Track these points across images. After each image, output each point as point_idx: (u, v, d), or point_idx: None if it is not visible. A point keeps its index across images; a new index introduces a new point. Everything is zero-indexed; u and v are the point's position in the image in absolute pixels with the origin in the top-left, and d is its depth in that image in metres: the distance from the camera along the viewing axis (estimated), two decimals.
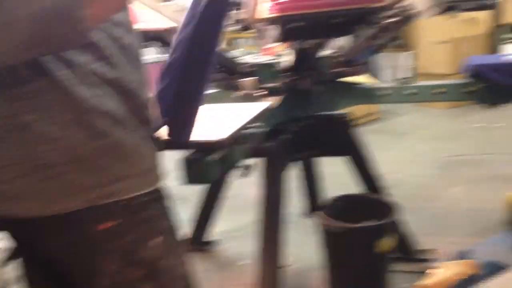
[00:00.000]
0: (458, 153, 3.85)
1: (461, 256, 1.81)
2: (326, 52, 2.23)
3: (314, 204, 2.70)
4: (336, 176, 2.66)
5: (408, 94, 2.26)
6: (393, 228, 2.07)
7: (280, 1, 1.98)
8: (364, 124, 4.58)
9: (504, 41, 4.88)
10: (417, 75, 5.31)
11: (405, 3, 1.93)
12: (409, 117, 5.00)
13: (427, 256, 2.30)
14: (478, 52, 4.96)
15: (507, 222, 0.69)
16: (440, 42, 5.12)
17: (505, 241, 0.76)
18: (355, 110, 2.93)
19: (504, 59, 2.33)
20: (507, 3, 4.60)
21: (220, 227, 2.80)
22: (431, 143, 4.20)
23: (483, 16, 5.03)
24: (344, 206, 2.15)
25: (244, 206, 2.72)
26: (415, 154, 3.98)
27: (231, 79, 2.12)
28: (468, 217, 2.77)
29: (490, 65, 2.06)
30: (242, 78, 2.08)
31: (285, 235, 2.03)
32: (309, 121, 2.26)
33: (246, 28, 2.30)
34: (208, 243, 2.71)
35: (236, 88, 2.09)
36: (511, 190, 2.68)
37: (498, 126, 4.31)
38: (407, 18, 1.95)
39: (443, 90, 2.19)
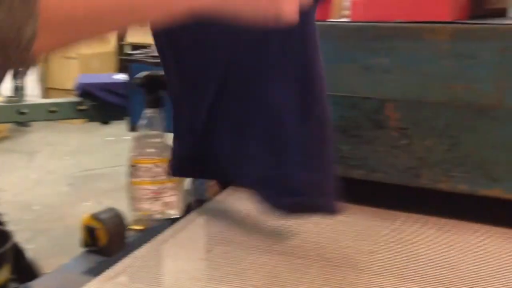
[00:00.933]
0: (91, 167, 3.94)
1: None
2: None
3: None
4: None
5: (19, 113, 2.17)
6: (9, 257, 1.94)
7: None
8: None
9: (128, 59, 5.27)
10: (47, 90, 5.20)
11: None
12: (41, 134, 4.84)
13: None
14: (106, 69, 5.21)
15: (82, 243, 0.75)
16: (68, 58, 5.14)
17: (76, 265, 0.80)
18: None
19: (113, 78, 2.48)
20: None
21: None
22: (64, 160, 4.16)
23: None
24: None
25: None
26: (46, 172, 3.87)
27: None
28: None
29: (98, 84, 2.16)
30: None
31: None
32: None
33: None
34: None
35: None
36: None
37: (127, 139, 4.61)
38: None
39: (56, 108, 2.19)
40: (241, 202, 1.10)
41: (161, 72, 1.01)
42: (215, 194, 1.17)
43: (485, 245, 0.89)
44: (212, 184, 1.19)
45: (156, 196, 1.00)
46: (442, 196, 0.98)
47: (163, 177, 1.00)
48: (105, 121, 2.15)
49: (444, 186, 0.95)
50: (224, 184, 1.21)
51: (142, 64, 1.04)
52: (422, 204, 1.02)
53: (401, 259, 0.84)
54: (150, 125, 1.00)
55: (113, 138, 4.65)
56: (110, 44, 5.42)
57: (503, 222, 0.95)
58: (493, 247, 0.89)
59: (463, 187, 0.93)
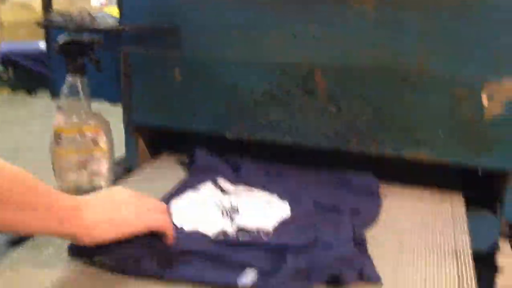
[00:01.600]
0: (19, 140, 3.76)
1: None
2: None
3: None
4: None
5: None
6: None
7: None
8: None
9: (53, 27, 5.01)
10: None
11: None
12: None
13: None
14: (33, 37, 4.93)
15: None
16: None
17: None
18: None
19: (38, 46, 2.35)
20: None
21: None
22: None
23: (38, 1, 5.01)
24: None
25: None
26: None
27: None
28: None
29: (21, 52, 2.04)
30: None
31: None
32: None
33: None
34: None
35: None
36: None
37: None
38: None
39: None
40: (172, 169, 1.09)
41: (82, 37, 0.97)
42: (146, 161, 1.15)
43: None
44: (142, 152, 1.16)
45: (82, 166, 0.96)
46: (370, 161, 1.02)
47: (90, 146, 0.96)
48: (29, 90, 2.03)
49: (372, 150, 0.97)
50: (155, 152, 1.19)
51: (63, 30, 0.98)
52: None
53: None
54: (72, 93, 0.95)
55: (41, 111, 4.45)
56: (36, 12, 5.13)
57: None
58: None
59: (390, 151, 0.96)
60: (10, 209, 0.58)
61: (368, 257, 0.74)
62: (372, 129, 0.97)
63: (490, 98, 0.90)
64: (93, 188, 0.98)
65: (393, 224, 0.88)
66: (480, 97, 0.91)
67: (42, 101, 4.36)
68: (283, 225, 0.83)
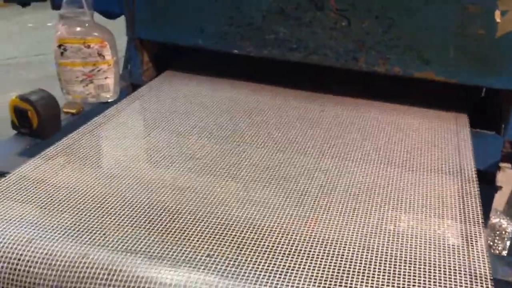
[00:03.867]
0: (12, 56, 3.68)
1: None
2: None
3: None
4: None
5: None
6: None
7: None
8: None
9: None
10: None
11: None
12: None
13: None
14: None
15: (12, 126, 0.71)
16: None
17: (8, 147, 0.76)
18: None
19: None
20: None
21: None
22: None
23: None
24: None
25: None
26: None
27: None
28: None
29: None
30: None
31: None
32: None
33: None
34: None
35: None
36: None
37: (50, 26, 4.30)
38: None
39: None
40: (177, 87, 1.08)
41: None
42: (151, 78, 1.14)
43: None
44: (147, 68, 1.15)
45: (88, 78, 0.95)
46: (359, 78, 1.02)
47: (96, 59, 0.95)
48: (23, 2, 1.96)
49: (380, 69, 0.97)
50: (160, 68, 1.17)
51: None
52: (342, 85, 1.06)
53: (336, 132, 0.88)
54: (75, 2, 0.92)
55: (32, 25, 4.32)
56: None
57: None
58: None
59: (398, 70, 0.96)
60: None
61: None
62: (381, 47, 0.95)
63: (503, 14, 0.88)
64: (99, 101, 0.98)
65: (400, 140, 0.89)
66: (493, 13, 0.89)
67: (35, 17, 4.24)
68: None
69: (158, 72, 1.17)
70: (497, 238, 1.92)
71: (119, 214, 0.64)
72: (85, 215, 0.63)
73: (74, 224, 0.61)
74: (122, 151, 0.81)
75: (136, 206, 0.66)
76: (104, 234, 0.60)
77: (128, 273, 0.54)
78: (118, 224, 0.62)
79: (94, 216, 0.63)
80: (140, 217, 0.64)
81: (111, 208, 0.65)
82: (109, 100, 0.99)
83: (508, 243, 1.88)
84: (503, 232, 1.94)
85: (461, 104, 1.04)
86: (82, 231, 0.60)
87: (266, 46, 1.01)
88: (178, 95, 1.03)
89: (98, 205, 0.65)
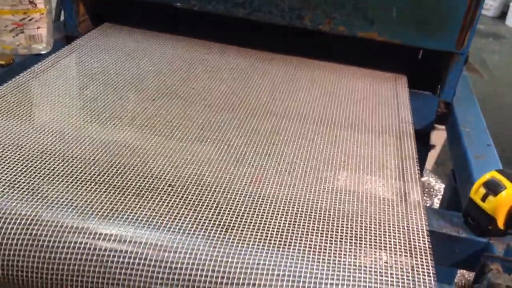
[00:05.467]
0: None
1: None
2: None
3: None
4: None
5: None
6: None
7: None
8: None
9: None
10: None
11: None
12: None
13: None
14: None
15: None
16: None
17: None
18: None
19: None
20: None
21: None
22: None
23: None
24: None
25: None
26: None
27: None
28: None
29: None
30: None
31: None
32: None
33: None
34: None
35: None
36: None
37: None
38: None
39: None
40: (115, 40, 1.03)
41: None
42: (88, 30, 1.08)
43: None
44: (83, 20, 1.09)
45: (19, 27, 0.89)
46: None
47: (27, 6, 0.88)
48: None
49: (325, 28, 0.97)
50: (97, 21, 1.11)
51: None
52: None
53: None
54: None
55: None
56: None
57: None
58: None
59: (342, 29, 0.96)
60: None
61: None
62: (328, 6, 0.95)
63: None
64: (31, 53, 0.92)
65: (341, 100, 0.90)
66: None
67: None
68: None
69: (95, 25, 1.11)
70: (426, 195, 2.03)
71: (52, 169, 0.61)
72: (14, 172, 0.60)
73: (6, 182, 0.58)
74: (53, 106, 0.76)
75: (70, 161, 0.63)
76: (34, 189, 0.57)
77: (62, 224, 0.52)
78: (47, 179, 0.59)
79: (23, 172, 0.60)
80: (74, 171, 0.61)
81: (42, 163, 0.62)
82: (42, 52, 0.93)
83: (435, 199, 2.00)
84: (432, 190, 2.06)
85: (401, 65, 1.07)
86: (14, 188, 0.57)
87: (210, 1, 0.98)
88: (115, 48, 0.98)
89: (26, 162, 0.62)
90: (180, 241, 0.52)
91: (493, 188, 0.62)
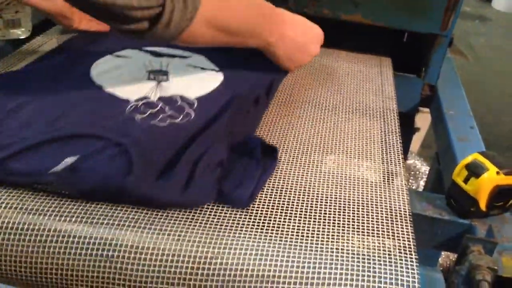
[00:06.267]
0: None
1: None
2: None
3: None
4: None
5: None
6: None
7: None
8: None
9: None
10: None
11: None
12: None
13: None
14: None
15: None
16: None
17: None
18: None
19: None
20: None
21: None
22: None
23: None
24: None
25: None
26: None
27: None
28: None
29: None
30: None
31: None
32: None
33: None
34: None
35: None
36: None
37: None
38: None
39: None
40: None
41: None
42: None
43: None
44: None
45: None
46: None
47: None
48: None
49: (310, 10, 0.96)
50: None
51: None
52: None
53: None
54: None
55: None
56: None
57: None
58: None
59: (327, 12, 0.95)
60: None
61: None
62: None
63: None
64: (9, 39, 0.90)
65: (325, 82, 0.90)
66: None
67: None
68: (209, 98, 0.72)
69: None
70: (412, 178, 2.05)
71: None
72: None
73: None
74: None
75: None
76: None
77: None
78: None
79: None
80: None
81: None
82: (21, 37, 0.91)
83: (421, 182, 2.01)
84: (417, 172, 2.07)
85: (385, 48, 1.06)
86: None
87: None
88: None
89: None
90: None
91: (475, 170, 0.62)
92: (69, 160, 0.56)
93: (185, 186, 0.56)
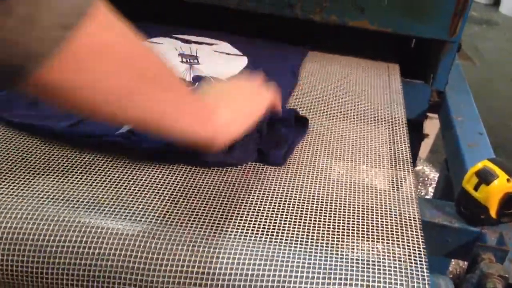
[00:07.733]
0: None
1: None
2: None
3: None
4: None
5: None
6: None
7: None
8: None
9: None
10: None
11: None
12: None
13: None
14: None
15: None
16: None
17: None
18: None
19: None
20: None
21: None
22: None
23: None
24: None
25: None
26: None
27: None
28: None
29: None
30: None
31: None
32: None
33: None
34: None
35: None
36: None
37: None
38: None
39: None
40: None
41: None
42: None
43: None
44: None
45: None
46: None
47: None
48: None
49: (317, 17, 0.96)
50: None
51: None
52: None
53: None
54: None
55: None
56: None
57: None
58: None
59: (334, 18, 0.95)
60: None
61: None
62: None
63: None
64: None
65: (334, 89, 0.89)
66: None
67: None
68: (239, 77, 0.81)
69: None
70: (421, 184, 2.03)
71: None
72: None
73: None
74: None
75: None
76: None
77: None
78: None
79: None
80: None
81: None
82: None
83: (430, 188, 2.00)
84: (426, 179, 2.06)
85: (393, 54, 1.06)
86: None
87: None
88: None
89: None
90: None
91: (485, 177, 0.62)
92: (127, 127, 0.63)
93: (229, 148, 0.63)
